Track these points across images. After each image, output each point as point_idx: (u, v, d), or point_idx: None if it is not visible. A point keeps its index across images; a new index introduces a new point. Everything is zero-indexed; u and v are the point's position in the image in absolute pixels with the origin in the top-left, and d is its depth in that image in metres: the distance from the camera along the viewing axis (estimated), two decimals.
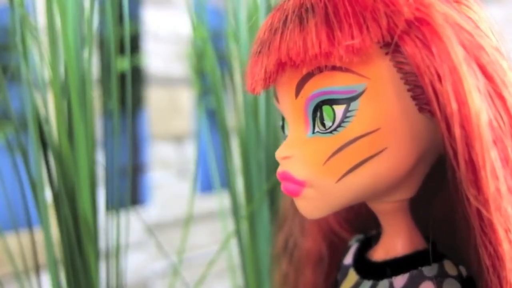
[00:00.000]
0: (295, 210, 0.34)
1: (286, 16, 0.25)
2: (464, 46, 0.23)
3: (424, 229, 0.30)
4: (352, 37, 0.23)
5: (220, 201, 0.58)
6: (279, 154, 0.27)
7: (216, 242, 1.26)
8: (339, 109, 0.25)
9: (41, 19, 0.44)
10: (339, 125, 0.25)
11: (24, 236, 0.44)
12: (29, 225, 0.43)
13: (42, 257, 0.43)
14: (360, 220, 0.35)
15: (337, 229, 0.36)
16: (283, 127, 0.29)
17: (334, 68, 0.24)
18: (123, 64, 0.48)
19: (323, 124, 0.25)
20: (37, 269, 0.44)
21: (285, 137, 0.29)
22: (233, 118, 0.52)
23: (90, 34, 0.43)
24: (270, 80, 0.26)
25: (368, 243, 0.33)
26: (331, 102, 0.25)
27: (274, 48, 0.25)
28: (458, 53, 0.22)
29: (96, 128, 0.45)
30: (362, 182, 0.25)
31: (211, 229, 1.27)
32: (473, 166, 0.22)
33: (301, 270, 0.37)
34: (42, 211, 0.42)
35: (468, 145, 0.22)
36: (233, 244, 0.55)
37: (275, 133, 0.50)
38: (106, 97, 0.47)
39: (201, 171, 1.13)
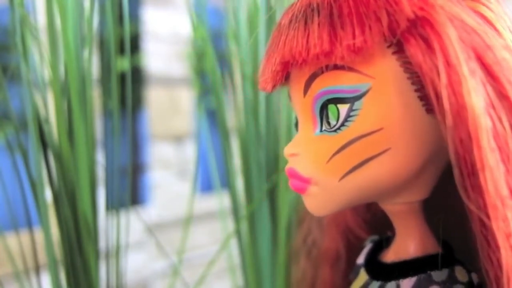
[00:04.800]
0: None
1: (294, 16, 0.26)
2: (468, 46, 0.22)
3: (442, 233, 0.29)
4: (354, 37, 0.23)
5: (220, 201, 0.58)
6: (287, 151, 0.28)
7: (216, 242, 1.26)
8: (343, 108, 0.25)
9: (41, 19, 0.44)
10: (342, 124, 0.25)
11: (24, 236, 0.44)
12: (29, 225, 0.43)
13: (42, 257, 0.43)
14: (377, 221, 0.35)
15: (354, 228, 0.36)
16: (296, 125, 0.29)
17: (338, 67, 0.24)
18: (123, 64, 0.48)
19: (329, 123, 0.26)
20: (37, 269, 0.44)
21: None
22: (233, 118, 0.52)
23: (90, 34, 0.43)
24: (278, 79, 0.27)
25: (382, 244, 0.32)
26: (336, 101, 0.25)
27: (280, 47, 0.25)
28: (458, 53, 0.22)
29: (96, 128, 0.45)
30: (364, 182, 0.25)
31: (211, 229, 1.27)
32: (473, 170, 0.22)
33: (319, 268, 0.37)
34: (42, 211, 0.42)
35: (468, 149, 0.22)
36: (233, 244, 0.55)
37: (275, 133, 0.50)
38: (106, 97, 0.47)
39: (201, 171, 1.13)
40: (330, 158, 0.25)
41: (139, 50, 1.19)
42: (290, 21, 0.26)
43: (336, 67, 0.25)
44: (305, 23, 0.24)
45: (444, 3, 0.23)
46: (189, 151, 1.28)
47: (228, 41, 0.56)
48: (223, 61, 0.55)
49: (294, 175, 0.27)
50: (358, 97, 0.24)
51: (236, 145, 0.51)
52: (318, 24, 0.24)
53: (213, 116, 0.55)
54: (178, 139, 1.27)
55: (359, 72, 0.24)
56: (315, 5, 0.25)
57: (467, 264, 0.28)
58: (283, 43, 0.25)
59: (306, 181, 0.26)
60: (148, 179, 1.21)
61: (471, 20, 0.23)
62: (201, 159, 0.60)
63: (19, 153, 0.42)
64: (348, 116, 0.25)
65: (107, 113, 0.47)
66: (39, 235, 0.43)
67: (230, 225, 0.55)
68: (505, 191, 0.21)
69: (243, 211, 0.52)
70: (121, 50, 0.48)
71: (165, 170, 1.24)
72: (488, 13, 0.25)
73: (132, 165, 1.11)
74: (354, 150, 0.25)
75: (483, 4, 0.25)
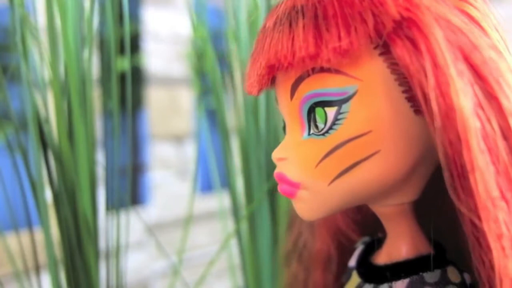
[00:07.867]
0: None
1: (278, 18, 0.25)
2: (455, 46, 0.22)
3: (433, 234, 0.29)
4: (340, 39, 0.23)
5: (220, 201, 0.58)
6: (274, 155, 0.27)
7: (216, 242, 1.26)
8: (331, 111, 0.24)
9: (41, 19, 0.44)
10: (330, 127, 0.25)
11: (24, 236, 0.44)
12: (29, 225, 0.43)
13: (42, 257, 0.43)
14: (368, 222, 0.35)
15: (345, 230, 0.35)
16: (284, 128, 0.29)
17: (324, 70, 0.24)
18: (123, 64, 0.48)
19: (317, 126, 0.25)
20: (37, 269, 0.44)
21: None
22: (233, 118, 0.52)
23: (90, 34, 0.43)
24: (263, 82, 0.26)
25: (374, 246, 0.32)
26: (323, 104, 0.25)
27: (265, 50, 0.25)
28: (445, 54, 0.21)
29: (96, 128, 0.45)
30: (354, 185, 0.25)
31: (211, 229, 1.27)
32: (463, 172, 0.21)
33: (311, 271, 0.37)
34: (42, 211, 0.42)
35: (457, 150, 0.21)
36: (233, 244, 0.55)
37: (275, 133, 0.50)
38: (106, 97, 0.47)
39: (201, 171, 1.13)
40: (319, 162, 0.25)
41: (139, 50, 1.19)
42: (275, 24, 0.25)
43: (322, 70, 0.24)
44: (290, 25, 0.24)
45: (430, 3, 0.23)
46: (189, 151, 1.28)
47: (228, 41, 0.56)
48: (223, 61, 0.55)
49: (283, 179, 0.26)
50: (346, 100, 0.24)
51: (236, 145, 0.51)
52: (303, 27, 0.23)
53: (213, 116, 0.55)
54: (178, 139, 1.27)
55: (346, 74, 0.24)
56: (299, 7, 0.24)
57: (460, 264, 0.27)
58: (268, 46, 0.25)
59: (295, 185, 0.26)
60: (148, 179, 1.21)
61: (458, 20, 0.23)
62: (201, 159, 0.60)
63: (19, 153, 0.42)
64: (336, 119, 0.24)
65: (107, 113, 0.47)
66: (39, 235, 0.43)
67: (230, 225, 0.55)
68: (495, 192, 0.21)
69: (243, 211, 0.52)
70: (121, 50, 0.48)
71: (165, 170, 1.24)
72: (474, 13, 0.24)
73: (132, 165, 1.11)
74: (343, 154, 0.24)
75: (469, 4, 0.24)
